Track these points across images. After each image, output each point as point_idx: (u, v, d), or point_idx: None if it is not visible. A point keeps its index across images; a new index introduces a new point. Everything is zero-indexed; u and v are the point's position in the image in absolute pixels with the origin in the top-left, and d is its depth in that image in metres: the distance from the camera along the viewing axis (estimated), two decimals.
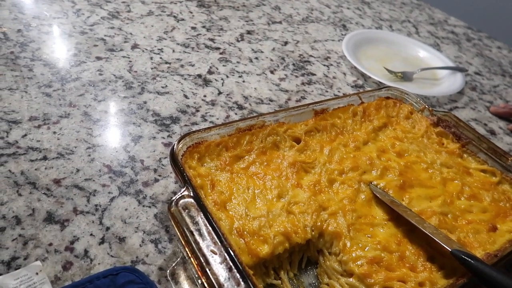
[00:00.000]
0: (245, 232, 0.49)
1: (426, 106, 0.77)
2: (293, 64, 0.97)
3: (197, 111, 0.76)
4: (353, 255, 0.50)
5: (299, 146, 0.64)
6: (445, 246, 0.49)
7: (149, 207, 0.56)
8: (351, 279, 0.49)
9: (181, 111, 0.75)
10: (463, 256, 0.47)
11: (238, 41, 1.02)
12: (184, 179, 0.51)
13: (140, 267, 0.49)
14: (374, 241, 0.52)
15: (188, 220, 0.46)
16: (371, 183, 0.61)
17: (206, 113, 0.76)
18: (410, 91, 0.82)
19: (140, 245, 0.52)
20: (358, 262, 0.49)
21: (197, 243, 0.44)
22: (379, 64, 1.05)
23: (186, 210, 0.48)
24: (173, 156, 0.53)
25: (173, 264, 0.50)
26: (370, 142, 0.70)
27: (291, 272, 0.52)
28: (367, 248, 0.51)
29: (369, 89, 0.94)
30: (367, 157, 0.65)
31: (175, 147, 0.54)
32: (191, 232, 0.45)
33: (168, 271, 0.50)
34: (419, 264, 0.51)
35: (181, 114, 0.74)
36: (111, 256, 0.50)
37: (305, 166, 0.61)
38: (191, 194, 0.49)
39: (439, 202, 0.60)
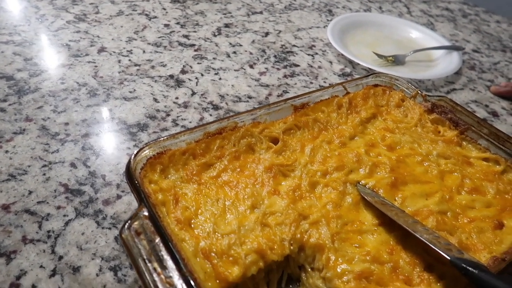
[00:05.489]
0: (212, 254, 0.43)
1: (419, 92, 0.70)
2: (275, 56, 0.90)
3: (168, 115, 0.70)
4: (338, 270, 0.44)
5: (276, 147, 0.58)
6: (443, 254, 0.42)
7: (109, 228, 0.50)
8: None
9: (150, 116, 0.69)
10: (464, 266, 0.40)
11: (214, 35, 0.95)
12: (140, 197, 0.45)
13: None
14: (363, 252, 0.46)
15: (141, 246, 0.40)
16: (359, 183, 0.55)
17: (177, 116, 0.70)
18: (402, 76, 0.75)
19: (97, 274, 0.46)
20: (344, 278, 0.43)
21: (151, 274, 0.38)
22: (369, 49, 0.98)
23: (142, 234, 0.41)
24: (129, 171, 0.47)
25: None
26: (358, 136, 0.63)
27: None
28: (354, 260, 0.45)
29: (356, 76, 0.87)
30: (354, 154, 0.58)
31: (131, 161, 0.48)
32: (145, 261, 0.39)
33: None
34: (415, 275, 0.44)
35: (149, 120, 0.68)
36: None
37: (284, 169, 0.55)
38: (147, 214, 0.43)
39: (437, 199, 0.53)
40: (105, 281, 0.45)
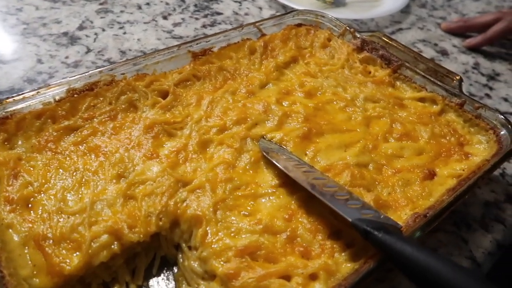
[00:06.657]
0: (48, 240, 0.33)
1: (347, 28, 0.59)
2: (195, 5, 0.78)
3: (52, 77, 0.58)
4: (216, 247, 0.34)
5: (163, 102, 0.47)
6: (343, 215, 0.33)
7: None
8: (212, 283, 0.33)
9: (28, 80, 0.57)
10: (365, 228, 0.31)
11: None
12: None
13: None
14: (253, 220, 0.36)
15: None
16: (264, 137, 0.45)
17: (63, 78, 0.58)
18: (341, 17, 0.63)
19: None
20: (223, 258, 0.33)
21: None
22: None
23: None
24: None
25: None
26: (271, 83, 0.53)
27: (134, 284, 0.36)
28: (240, 233, 0.35)
29: (277, 14, 0.75)
30: (262, 104, 0.48)
31: None
32: None
33: None
34: (316, 245, 0.35)
35: (26, 84, 0.57)
36: None
37: (169, 128, 0.44)
38: None
39: (357, 150, 0.44)
40: None
